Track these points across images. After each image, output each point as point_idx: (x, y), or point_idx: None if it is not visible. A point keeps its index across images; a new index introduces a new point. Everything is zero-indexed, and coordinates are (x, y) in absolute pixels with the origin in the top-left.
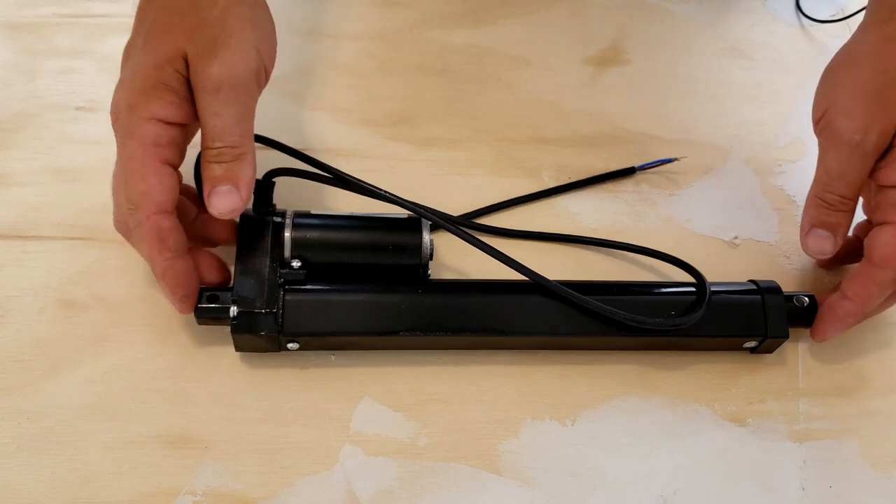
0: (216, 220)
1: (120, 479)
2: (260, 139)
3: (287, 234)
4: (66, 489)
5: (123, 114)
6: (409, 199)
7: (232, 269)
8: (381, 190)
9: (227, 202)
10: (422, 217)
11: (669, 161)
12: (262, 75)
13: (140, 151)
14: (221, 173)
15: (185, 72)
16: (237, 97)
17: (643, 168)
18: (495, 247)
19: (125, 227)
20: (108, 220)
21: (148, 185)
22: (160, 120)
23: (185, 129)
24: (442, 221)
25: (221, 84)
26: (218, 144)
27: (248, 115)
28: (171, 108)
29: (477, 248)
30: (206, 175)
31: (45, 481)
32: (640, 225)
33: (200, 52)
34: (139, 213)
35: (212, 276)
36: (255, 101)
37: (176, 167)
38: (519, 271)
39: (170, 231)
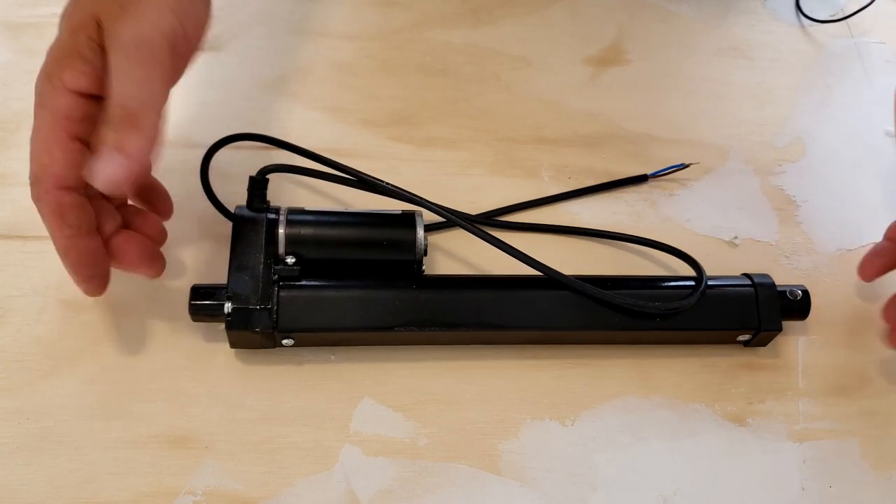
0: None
1: (120, 479)
2: (266, 139)
3: (281, 231)
4: (66, 489)
5: (40, 83)
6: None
7: (222, 265)
8: (391, 185)
9: (108, 170)
10: (428, 209)
11: (682, 167)
12: (178, 41)
13: (49, 122)
14: (110, 137)
15: (99, 38)
16: (142, 58)
17: (656, 175)
18: (489, 239)
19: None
20: None
21: (51, 158)
22: (74, 91)
23: (104, 104)
24: (444, 212)
25: (127, 43)
26: (114, 107)
27: (154, 79)
28: (82, 78)
29: (481, 238)
30: (96, 138)
31: (45, 481)
32: (640, 224)
33: (112, 13)
34: (40, 187)
35: (132, 263)
36: (167, 68)
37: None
38: (523, 261)
39: (71, 207)
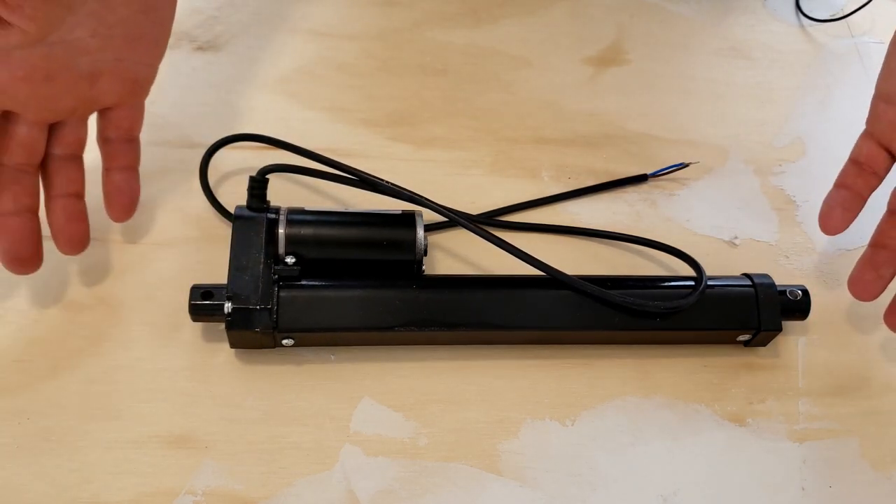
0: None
1: (120, 479)
2: (266, 139)
3: (281, 231)
4: (66, 489)
5: None
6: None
7: (222, 265)
8: (392, 184)
9: None
10: (429, 208)
11: (682, 166)
12: None
13: None
14: None
15: None
16: None
17: (656, 175)
18: (491, 238)
19: None
20: (108, 219)
21: None
22: None
23: None
24: (445, 211)
25: None
26: None
27: None
28: None
29: (483, 237)
30: None
31: (45, 481)
32: (639, 224)
33: None
34: None
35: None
36: None
37: None
38: (524, 260)
39: None
